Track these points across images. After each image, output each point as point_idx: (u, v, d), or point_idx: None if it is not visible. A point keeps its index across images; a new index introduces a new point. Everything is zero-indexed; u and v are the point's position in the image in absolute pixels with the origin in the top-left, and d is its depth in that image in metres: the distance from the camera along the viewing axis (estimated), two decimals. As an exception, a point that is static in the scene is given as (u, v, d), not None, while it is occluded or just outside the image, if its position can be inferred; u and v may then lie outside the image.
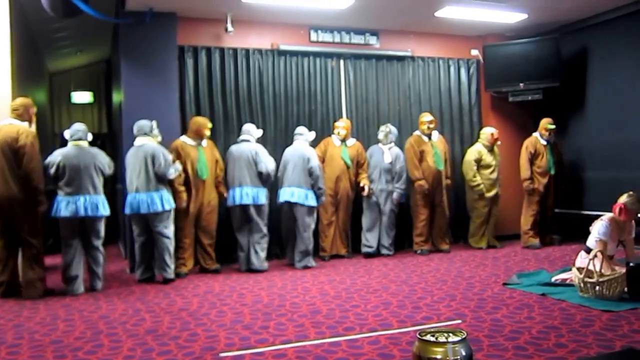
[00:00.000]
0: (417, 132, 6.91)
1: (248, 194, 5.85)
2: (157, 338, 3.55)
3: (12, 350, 3.38)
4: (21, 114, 5.03)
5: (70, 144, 5.25)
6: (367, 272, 5.68)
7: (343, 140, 6.58)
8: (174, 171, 5.51)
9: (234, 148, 6.04)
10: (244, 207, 5.90)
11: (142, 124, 5.59)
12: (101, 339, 3.58)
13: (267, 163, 5.95)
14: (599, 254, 4.34)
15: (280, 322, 3.86)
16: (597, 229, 4.66)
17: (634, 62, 6.59)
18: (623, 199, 4.74)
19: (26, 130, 4.98)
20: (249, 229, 5.97)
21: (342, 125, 6.58)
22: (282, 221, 6.31)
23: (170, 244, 5.45)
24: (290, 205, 6.07)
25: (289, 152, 6.23)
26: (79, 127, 5.33)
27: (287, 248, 6.33)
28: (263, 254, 5.97)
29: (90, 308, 4.47)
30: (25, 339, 3.64)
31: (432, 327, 2.24)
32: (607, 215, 4.73)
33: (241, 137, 6.08)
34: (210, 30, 6.52)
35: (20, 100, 5.12)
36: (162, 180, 5.44)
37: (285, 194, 6.05)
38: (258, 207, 5.92)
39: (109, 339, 3.58)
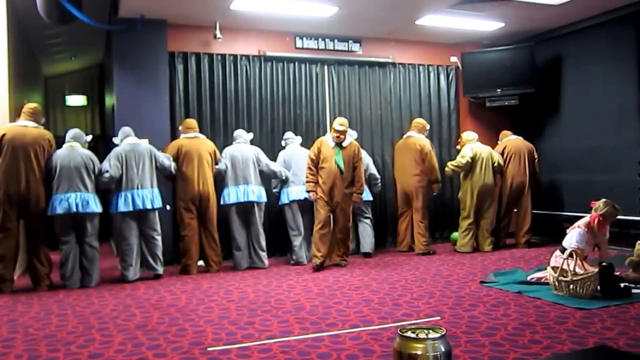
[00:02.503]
0: (419, 135, 6.81)
1: (254, 191, 6.02)
2: (146, 333, 3.61)
3: (7, 344, 3.43)
4: (38, 119, 5.27)
5: (64, 146, 5.40)
6: (348, 270, 5.77)
7: (339, 144, 5.99)
8: (173, 167, 5.74)
9: (233, 149, 6.14)
10: (247, 205, 6.03)
11: (127, 128, 5.73)
12: (93, 333, 3.64)
13: (269, 163, 6.20)
14: (573, 254, 4.43)
15: (265, 318, 3.92)
16: (574, 237, 4.71)
17: (605, 69, 6.79)
18: (600, 209, 4.78)
19: (51, 135, 5.27)
20: (247, 227, 6.09)
21: (342, 129, 5.86)
22: (288, 219, 6.31)
23: (160, 241, 5.63)
24: (299, 203, 6.27)
25: (288, 154, 6.40)
26: (73, 131, 5.52)
27: (296, 246, 6.29)
28: (265, 252, 6.13)
29: (82, 303, 4.55)
30: (19, 333, 3.69)
31: (412, 324, 2.34)
32: (584, 222, 4.79)
33: (237, 140, 6.22)
34: (199, 37, 6.64)
35: (36, 106, 5.35)
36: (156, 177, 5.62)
37: (298, 193, 6.22)
38: (259, 205, 6.12)
39: (100, 333, 3.63)
